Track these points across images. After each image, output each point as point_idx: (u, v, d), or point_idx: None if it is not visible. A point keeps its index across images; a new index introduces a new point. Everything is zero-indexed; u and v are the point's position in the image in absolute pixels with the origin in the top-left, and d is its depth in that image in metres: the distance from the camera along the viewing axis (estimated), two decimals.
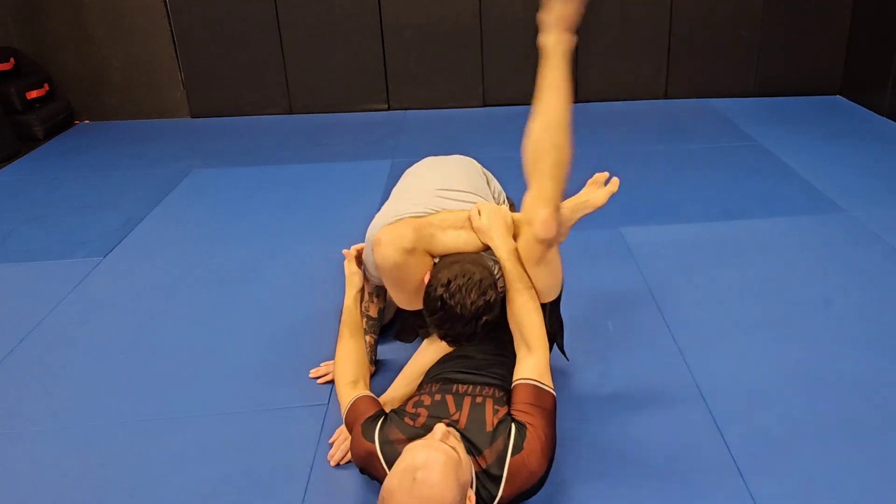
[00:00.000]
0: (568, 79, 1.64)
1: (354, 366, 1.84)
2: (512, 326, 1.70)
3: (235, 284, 2.69)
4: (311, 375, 2.11)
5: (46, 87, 4.70)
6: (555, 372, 1.83)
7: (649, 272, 2.67)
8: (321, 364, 2.13)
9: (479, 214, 1.77)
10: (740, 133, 4.31)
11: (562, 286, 1.83)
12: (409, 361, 1.95)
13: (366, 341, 2.04)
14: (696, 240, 2.94)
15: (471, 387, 1.67)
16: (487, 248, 1.80)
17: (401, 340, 2.18)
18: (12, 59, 4.59)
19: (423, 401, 1.65)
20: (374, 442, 1.55)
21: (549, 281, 1.75)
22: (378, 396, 1.87)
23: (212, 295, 2.62)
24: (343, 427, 1.79)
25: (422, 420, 1.58)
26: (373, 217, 1.92)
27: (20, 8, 4.64)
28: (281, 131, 4.62)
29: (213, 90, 4.90)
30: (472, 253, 1.77)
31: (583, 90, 5.03)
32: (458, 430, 1.53)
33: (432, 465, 1.34)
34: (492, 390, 1.66)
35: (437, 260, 1.78)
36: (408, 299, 1.81)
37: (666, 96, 5.06)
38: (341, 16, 4.72)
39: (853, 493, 1.66)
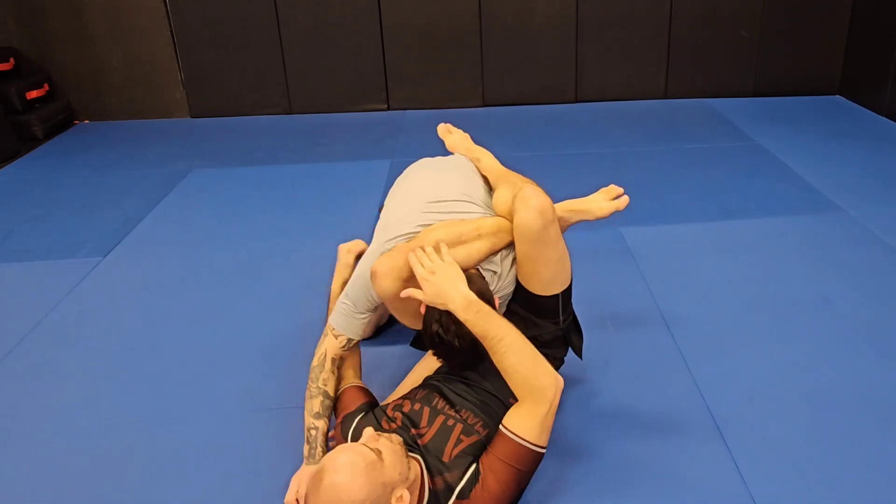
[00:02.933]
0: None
1: (346, 363, 1.87)
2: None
3: (235, 284, 2.69)
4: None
5: (46, 87, 4.70)
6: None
7: (649, 272, 2.67)
8: None
9: (422, 282, 1.58)
10: (740, 133, 4.31)
11: (571, 278, 1.79)
12: (416, 366, 1.95)
13: (317, 427, 1.75)
14: (695, 239, 2.94)
15: (448, 406, 1.63)
16: (488, 258, 1.75)
17: (417, 348, 2.14)
18: (12, 59, 4.59)
19: (403, 405, 1.65)
20: (346, 439, 1.62)
21: (557, 265, 1.70)
22: (386, 398, 1.88)
23: (212, 295, 2.62)
24: (293, 479, 1.70)
25: (395, 425, 1.59)
26: (371, 219, 1.91)
27: (20, 8, 4.64)
28: (280, 131, 4.62)
29: (213, 90, 4.90)
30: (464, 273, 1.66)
31: (583, 90, 5.04)
32: (418, 446, 1.52)
33: (339, 467, 1.33)
34: (468, 414, 1.61)
35: None
36: (413, 322, 1.78)
37: (666, 96, 5.07)
38: (341, 16, 4.72)
39: (853, 493, 1.66)
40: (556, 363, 1.88)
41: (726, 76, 5.03)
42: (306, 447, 1.73)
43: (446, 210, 1.80)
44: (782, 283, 2.58)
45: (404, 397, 1.71)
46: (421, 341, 2.10)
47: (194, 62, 4.82)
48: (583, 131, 4.44)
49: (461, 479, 1.46)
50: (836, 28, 4.90)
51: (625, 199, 1.92)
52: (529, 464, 1.48)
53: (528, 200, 1.63)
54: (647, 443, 1.83)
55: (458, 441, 1.53)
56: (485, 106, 5.03)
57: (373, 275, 1.67)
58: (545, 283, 1.72)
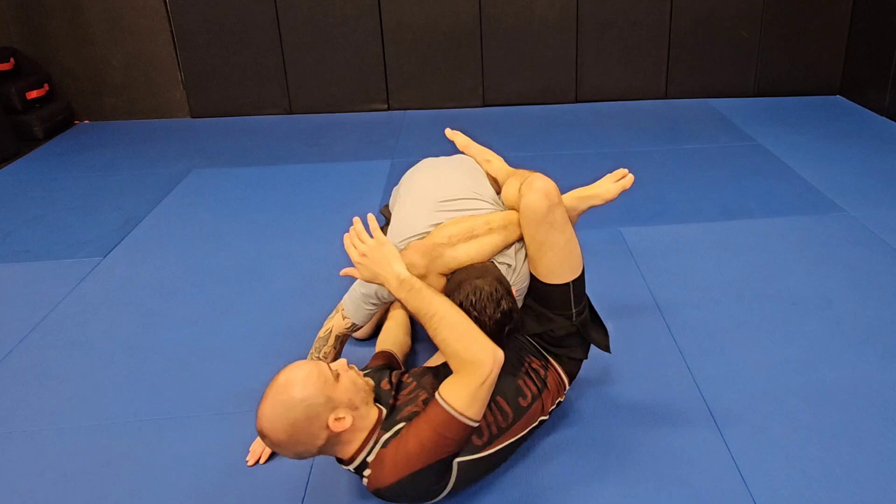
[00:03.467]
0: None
1: (393, 343, 2.06)
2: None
3: (235, 284, 2.69)
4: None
5: (46, 87, 4.70)
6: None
7: (649, 272, 2.67)
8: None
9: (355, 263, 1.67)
10: (740, 133, 4.31)
11: (582, 268, 1.77)
12: (431, 360, 1.98)
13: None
14: (695, 239, 2.94)
15: (434, 385, 1.65)
16: (501, 252, 1.77)
17: None
18: (12, 59, 4.59)
19: (403, 376, 1.72)
20: None
21: (564, 250, 1.70)
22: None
23: (212, 295, 2.62)
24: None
25: (388, 387, 1.67)
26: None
27: (20, 8, 4.64)
28: (281, 131, 4.62)
29: (213, 90, 4.90)
30: (478, 265, 1.72)
31: (583, 90, 5.04)
32: (390, 406, 1.59)
33: (296, 368, 1.48)
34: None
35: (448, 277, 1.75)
36: None
37: (666, 96, 5.07)
38: (341, 16, 4.72)
39: (853, 494, 1.66)
40: (574, 364, 1.85)
41: (726, 76, 5.03)
42: None
43: (457, 208, 1.82)
44: (782, 283, 2.58)
45: (411, 372, 1.76)
46: None
47: (194, 62, 4.82)
48: (583, 131, 4.44)
49: (389, 431, 1.52)
50: (836, 28, 4.90)
51: (630, 177, 1.92)
52: (453, 432, 1.49)
53: (533, 183, 1.66)
54: (647, 443, 1.83)
55: (416, 406, 1.58)
56: (485, 106, 5.03)
57: None
58: (553, 269, 1.71)
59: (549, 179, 1.69)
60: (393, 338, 2.09)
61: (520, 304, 1.82)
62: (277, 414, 1.42)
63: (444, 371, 1.70)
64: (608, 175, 1.98)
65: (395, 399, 1.62)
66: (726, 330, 2.31)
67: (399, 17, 4.74)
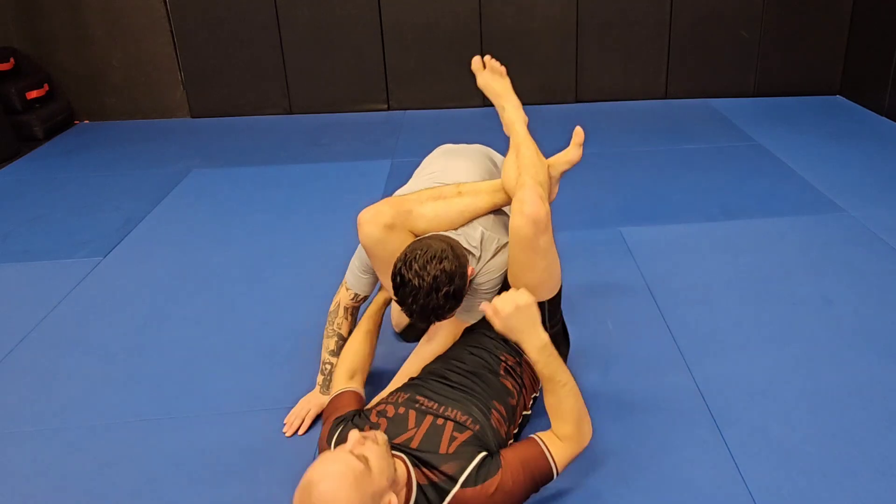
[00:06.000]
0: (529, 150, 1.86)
1: (357, 358, 1.92)
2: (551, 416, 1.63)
3: (235, 284, 2.69)
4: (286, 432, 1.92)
5: (46, 87, 4.70)
6: None
7: (649, 272, 2.67)
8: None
9: (496, 314, 1.56)
10: (740, 133, 4.31)
11: (560, 286, 1.81)
12: (406, 362, 1.95)
13: (331, 363, 1.96)
14: (695, 240, 2.94)
15: (436, 405, 1.62)
16: (470, 222, 1.80)
17: (404, 339, 2.19)
18: (12, 59, 4.59)
19: (386, 411, 1.62)
20: (330, 445, 1.58)
21: (543, 274, 1.72)
22: (375, 396, 1.89)
23: (212, 295, 2.62)
24: (302, 401, 1.95)
25: (380, 431, 1.56)
26: None
27: (20, 8, 4.64)
28: (281, 131, 4.62)
29: (213, 90, 4.90)
30: (443, 235, 1.75)
31: (583, 90, 5.04)
32: (409, 449, 1.50)
33: (327, 479, 1.30)
34: (455, 412, 1.60)
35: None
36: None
37: (666, 96, 5.06)
38: (341, 16, 4.72)
39: (853, 494, 1.66)
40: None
41: (726, 76, 5.02)
42: (320, 377, 1.97)
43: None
44: (782, 284, 2.58)
45: (386, 402, 1.67)
46: (408, 333, 2.17)
47: (194, 62, 4.82)
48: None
49: (466, 468, 1.47)
50: (836, 28, 4.90)
51: (577, 132, 2.00)
52: (543, 482, 1.55)
53: (523, 206, 1.63)
54: (647, 443, 1.83)
55: (453, 438, 1.54)
56: (485, 106, 5.02)
57: (359, 223, 1.75)
58: (530, 288, 1.64)
59: (538, 202, 1.63)
60: (356, 355, 1.94)
61: (492, 295, 1.81)
62: None
63: (427, 387, 1.67)
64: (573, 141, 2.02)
65: (410, 441, 1.54)
66: (726, 330, 2.31)
67: (399, 17, 4.74)
